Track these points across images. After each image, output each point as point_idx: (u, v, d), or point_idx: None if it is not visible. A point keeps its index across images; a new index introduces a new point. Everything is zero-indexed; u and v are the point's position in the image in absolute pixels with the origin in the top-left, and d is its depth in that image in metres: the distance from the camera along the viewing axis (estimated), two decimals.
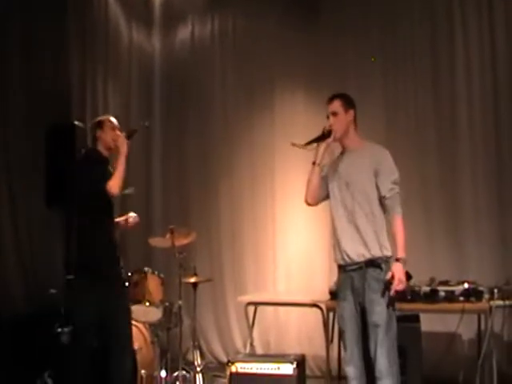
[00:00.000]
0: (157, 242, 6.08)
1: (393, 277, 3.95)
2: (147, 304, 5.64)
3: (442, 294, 5.33)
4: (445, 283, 5.44)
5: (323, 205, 6.59)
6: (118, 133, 4.76)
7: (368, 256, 4.07)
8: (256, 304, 6.07)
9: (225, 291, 7.03)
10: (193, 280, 5.95)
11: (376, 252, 4.07)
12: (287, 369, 5.01)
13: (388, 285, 3.96)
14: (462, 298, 5.30)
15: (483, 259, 6.13)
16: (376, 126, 6.26)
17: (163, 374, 5.63)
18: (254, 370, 5.06)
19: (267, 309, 6.54)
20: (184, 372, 5.75)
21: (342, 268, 4.20)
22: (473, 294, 5.31)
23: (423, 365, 5.24)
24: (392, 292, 3.96)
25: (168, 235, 5.85)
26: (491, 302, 5.28)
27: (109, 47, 7.30)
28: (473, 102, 6.41)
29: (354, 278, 4.10)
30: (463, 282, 5.38)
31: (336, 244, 4.21)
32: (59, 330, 5.35)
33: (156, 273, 5.83)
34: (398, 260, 4.00)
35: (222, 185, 7.18)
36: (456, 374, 5.75)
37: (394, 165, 4.18)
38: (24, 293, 6.47)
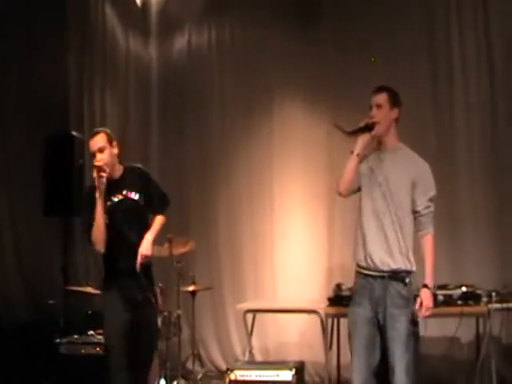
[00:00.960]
0: (155, 250, 6.06)
1: (421, 303, 3.83)
2: None
3: (441, 297, 5.33)
4: (443, 287, 5.44)
5: (321, 213, 6.73)
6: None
7: (393, 267, 3.88)
8: (255, 311, 6.07)
9: (223, 299, 7.01)
10: (191, 288, 5.96)
11: (401, 264, 3.89)
12: (286, 375, 5.03)
13: (414, 313, 3.85)
14: (460, 302, 5.33)
15: (481, 263, 6.12)
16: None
17: (163, 382, 5.63)
18: (253, 378, 5.08)
19: (266, 316, 6.51)
20: (183, 380, 5.75)
21: (361, 273, 4.00)
22: (471, 298, 5.33)
23: (422, 369, 5.23)
24: (419, 318, 3.86)
25: (166, 244, 5.86)
26: (489, 306, 5.29)
27: (106, 56, 7.33)
28: (470, 108, 6.43)
29: (374, 286, 3.91)
30: (461, 286, 5.40)
31: (361, 244, 3.98)
32: (58, 340, 5.36)
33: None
34: (426, 286, 3.87)
35: (221, 193, 7.19)
36: (455, 378, 5.77)
37: (433, 180, 4.02)
38: (23, 303, 6.50)
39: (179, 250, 5.97)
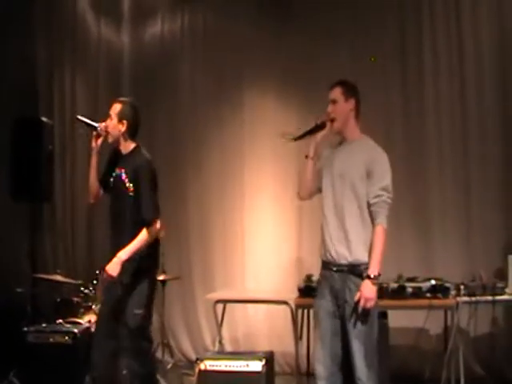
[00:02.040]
0: None
1: (360, 295, 3.78)
2: None
3: (410, 290, 5.40)
4: (412, 280, 5.51)
5: (291, 204, 6.74)
6: None
7: (349, 259, 3.85)
8: (225, 301, 6.06)
9: (193, 289, 6.99)
10: (161, 278, 5.92)
11: (358, 256, 3.84)
12: (256, 366, 5.01)
13: (356, 304, 3.81)
14: (429, 295, 5.39)
15: (450, 256, 6.20)
16: None
17: None
18: (222, 368, 5.05)
19: (236, 306, 6.52)
20: None
21: (324, 264, 4.00)
22: (440, 291, 5.40)
23: (391, 360, 5.30)
24: (360, 310, 3.79)
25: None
26: (458, 298, 5.38)
27: (77, 42, 7.20)
28: (440, 103, 6.49)
29: (335, 278, 3.90)
30: (430, 279, 5.47)
31: (322, 239, 4.00)
32: (25, 328, 5.29)
33: None
34: (368, 277, 3.78)
35: (191, 182, 7.15)
36: (423, 369, 5.83)
37: (388, 168, 3.91)
38: None
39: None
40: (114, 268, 4.30)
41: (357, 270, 3.84)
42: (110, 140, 4.55)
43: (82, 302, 5.75)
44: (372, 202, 3.85)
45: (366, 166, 3.88)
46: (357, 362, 3.82)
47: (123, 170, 4.46)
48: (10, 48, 6.61)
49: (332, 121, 3.97)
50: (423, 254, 6.27)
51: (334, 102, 3.99)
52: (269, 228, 6.87)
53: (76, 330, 5.21)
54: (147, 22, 7.55)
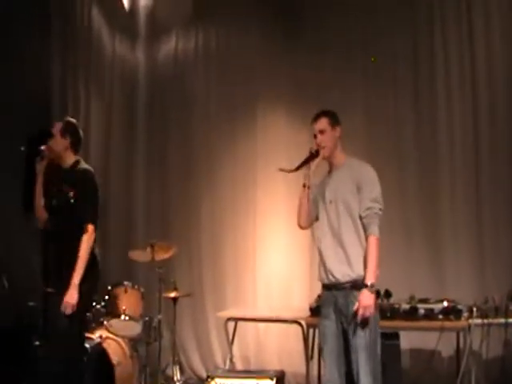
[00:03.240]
0: (137, 255, 6.07)
1: (359, 304, 3.89)
2: (127, 318, 5.62)
3: (422, 311, 5.37)
4: (424, 301, 5.48)
5: None
6: None
7: (353, 276, 3.98)
8: (236, 319, 6.05)
9: (205, 306, 6.98)
10: (173, 295, 5.93)
11: (360, 271, 3.97)
12: None
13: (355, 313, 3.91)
14: (441, 316, 5.36)
15: (462, 278, 6.17)
16: (357, 143, 6.28)
17: None
18: None
19: (247, 325, 6.51)
20: None
21: (325, 286, 4.13)
22: (452, 312, 5.36)
23: (403, 382, 5.26)
24: (359, 319, 3.90)
25: (148, 249, 5.83)
26: (470, 320, 5.33)
27: (91, 57, 7.28)
28: (453, 122, 6.48)
29: (337, 297, 4.03)
30: (442, 300, 5.43)
31: (321, 263, 4.12)
32: (37, 343, 5.30)
33: (136, 287, 5.82)
34: (365, 286, 3.90)
35: (204, 200, 7.16)
36: None
37: (377, 181, 4.10)
38: (2, 305, 6.39)
39: (161, 255, 5.96)
40: (72, 295, 4.40)
41: (358, 285, 3.96)
42: (55, 157, 4.67)
43: (94, 317, 5.74)
44: (364, 214, 4.03)
45: (355, 182, 4.08)
46: (360, 372, 3.90)
47: (67, 185, 4.56)
48: (25, 62, 6.68)
49: (318, 149, 4.16)
50: (435, 275, 6.24)
51: (321, 132, 4.19)
52: (281, 246, 6.86)
53: (87, 346, 5.19)
54: (161, 39, 7.60)
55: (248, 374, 5.33)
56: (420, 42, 6.65)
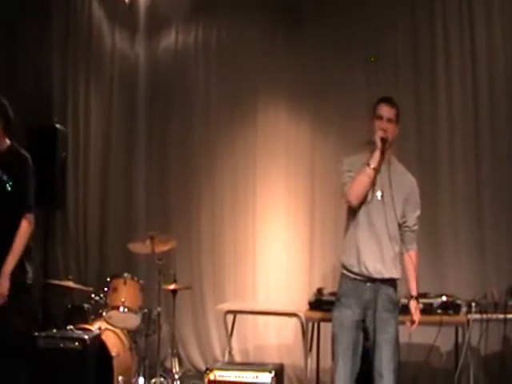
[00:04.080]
0: (137, 247, 6.06)
1: (413, 316, 4.05)
2: (126, 310, 5.62)
3: (421, 306, 5.33)
4: (423, 295, 5.46)
5: (302, 217, 6.76)
6: None
7: (385, 275, 4.00)
8: (235, 312, 6.07)
9: (204, 299, 6.98)
10: (172, 287, 5.92)
11: (393, 273, 4.03)
12: (265, 378, 5.03)
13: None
14: (439, 311, 5.37)
15: (461, 273, 6.19)
16: (358, 140, 6.28)
17: (141, 380, 5.60)
18: (232, 378, 5.07)
19: (246, 317, 6.52)
20: (162, 379, 5.70)
21: (351, 275, 4.06)
22: (451, 307, 5.39)
23: (401, 376, 5.26)
24: (411, 329, 4.06)
25: (148, 241, 5.83)
26: (469, 316, 5.35)
27: (91, 51, 7.25)
28: (454, 119, 6.49)
29: (364, 290, 3.99)
30: (441, 295, 5.45)
31: (355, 251, 4.05)
32: (36, 334, 5.29)
33: (135, 278, 5.82)
34: (416, 298, 4.08)
35: (204, 193, 7.16)
36: None
37: (419, 200, 4.23)
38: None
39: (161, 247, 5.94)
40: (3, 285, 4.26)
41: (388, 282, 4.00)
42: None
43: (93, 308, 5.75)
44: (413, 228, 4.17)
45: (406, 192, 4.12)
46: (384, 373, 3.92)
47: (2, 170, 4.36)
48: (25, 56, 6.66)
49: (387, 138, 4.05)
50: (435, 270, 6.24)
51: (390, 120, 4.07)
52: (280, 240, 6.86)
53: (86, 337, 5.19)
54: (162, 34, 7.58)
55: (247, 366, 5.35)
56: (421, 39, 6.64)
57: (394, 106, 4.11)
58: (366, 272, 3.99)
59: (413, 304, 4.06)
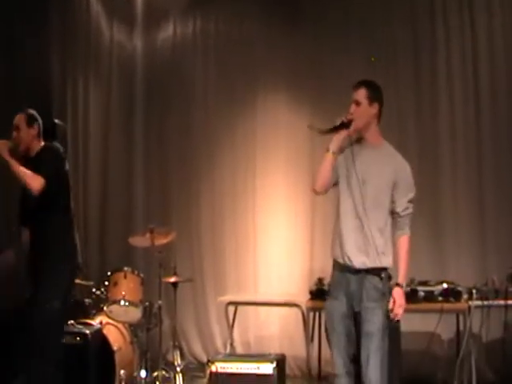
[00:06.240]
0: (137, 241, 6.07)
1: (394, 302, 3.82)
2: (127, 304, 5.63)
3: (422, 293, 5.39)
4: (424, 283, 5.50)
5: (303, 207, 6.75)
6: None
7: (369, 265, 3.85)
8: (236, 304, 6.09)
9: (205, 291, 6.99)
10: (173, 280, 5.93)
11: (377, 263, 3.86)
12: (267, 368, 5.02)
13: (388, 311, 3.83)
14: (441, 298, 5.39)
15: (462, 260, 6.18)
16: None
17: (143, 374, 5.61)
18: (234, 370, 5.07)
19: (247, 309, 6.53)
20: (164, 372, 5.72)
21: (338, 266, 3.97)
22: (452, 294, 5.39)
23: (402, 364, 5.27)
24: (394, 318, 3.83)
25: (148, 234, 5.83)
26: (470, 303, 5.35)
27: (90, 45, 7.26)
28: (454, 106, 6.46)
29: (350, 280, 3.88)
30: (442, 283, 5.45)
31: (338, 241, 3.93)
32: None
33: (136, 272, 5.82)
34: (398, 285, 3.85)
35: (203, 185, 7.16)
36: (435, 374, 5.81)
37: (413, 181, 3.98)
38: (3, 291, 6.41)
39: (161, 240, 5.94)
40: None
41: (373, 271, 3.86)
42: (23, 148, 4.60)
43: (94, 303, 5.77)
44: (402, 214, 3.91)
45: (392, 176, 3.89)
46: (370, 362, 3.80)
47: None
48: (23, 50, 6.65)
49: (351, 121, 3.89)
50: (436, 257, 6.24)
51: (357, 103, 3.92)
52: (281, 231, 6.86)
53: (87, 331, 5.21)
54: (160, 26, 7.58)
55: (248, 357, 5.35)
56: (421, 32, 6.60)
57: (358, 86, 3.95)
58: (349, 263, 3.87)
59: (395, 291, 3.83)
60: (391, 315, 3.82)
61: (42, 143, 4.69)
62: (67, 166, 4.72)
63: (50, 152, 4.62)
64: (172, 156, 7.30)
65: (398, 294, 3.83)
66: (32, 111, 4.73)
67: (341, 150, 3.99)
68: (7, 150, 4.43)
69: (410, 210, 3.94)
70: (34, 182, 4.36)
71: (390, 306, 3.82)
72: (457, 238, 6.28)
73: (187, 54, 7.44)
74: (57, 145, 4.73)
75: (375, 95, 3.96)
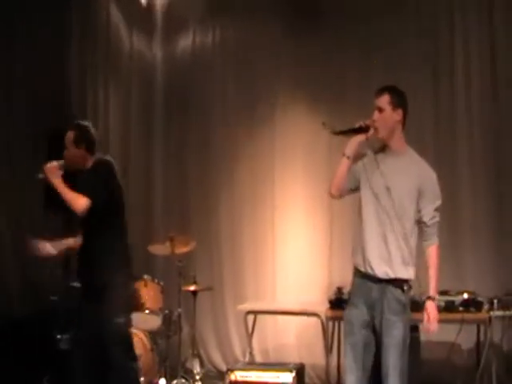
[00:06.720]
0: (157, 249, 6.10)
1: (428, 317, 3.81)
2: (147, 311, 5.66)
3: (442, 303, 5.35)
4: (445, 293, 5.45)
5: (322, 216, 6.74)
6: None
7: (392, 276, 3.79)
8: (256, 313, 6.08)
9: (224, 300, 6.99)
10: (192, 288, 5.96)
11: (401, 274, 3.81)
12: (286, 377, 5.04)
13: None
14: (461, 308, 5.36)
15: (483, 270, 6.12)
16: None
17: (162, 381, 5.64)
18: (253, 379, 5.09)
19: (266, 318, 6.52)
20: (183, 380, 5.76)
21: (359, 273, 3.92)
22: (472, 305, 5.36)
23: (422, 374, 5.25)
24: (427, 331, 3.86)
25: (168, 243, 5.86)
26: (491, 313, 5.32)
27: (110, 53, 7.32)
28: (472, 116, 6.42)
29: (372, 288, 3.84)
30: (463, 293, 5.43)
31: (360, 249, 3.88)
32: (59, 336, 5.34)
33: (156, 280, 5.87)
34: (430, 298, 3.82)
35: (223, 194, 7.17)
36: None
37: (439, 190, 3.93)
38: (24, 299, 6.46)
39: (181, 249, 5.98)
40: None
41: (396, 282, 3.81)
42: (72, 167, 4.60)
43: None
44: (429, 223, 3.87)
45: (418, 184, 3.84)
46: (390, 374, 3.76)
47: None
48: (44, 59, 6.72)
49: (375, 129, 3.86)
50: (456, 267, 6.18)
51: (380, 110, 3.86)
52: (299, 240, 6.86)
53: None
54: (179, 35, 7.61)
55: (268, 366, 5.36)
56: (440, 43, 6.59)
57: (381, 93, 3.89)
58: (371, 272, 3.81)
59: (428, 304, 3.82)
60: (424, 329, 3.82)
61: (95, 157, 4.63)
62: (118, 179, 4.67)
63: (100, 167, 4.58)
64: (192, 165, 7.32)
65: (431, 308, 3.82)
66: (82, 125, 4.68)
67: (358, 156, 3.97)
68: (56, 171, 4.46)
69: (437, 219, 3.90)
70: (77, 203, 4.39)
71: (425, 321, 3.81)
72: (477, 247, 6.23)
73: (206, 62, 7.46)
74: (108, 158, 4.68)
75: (399, 101, 3.90)
